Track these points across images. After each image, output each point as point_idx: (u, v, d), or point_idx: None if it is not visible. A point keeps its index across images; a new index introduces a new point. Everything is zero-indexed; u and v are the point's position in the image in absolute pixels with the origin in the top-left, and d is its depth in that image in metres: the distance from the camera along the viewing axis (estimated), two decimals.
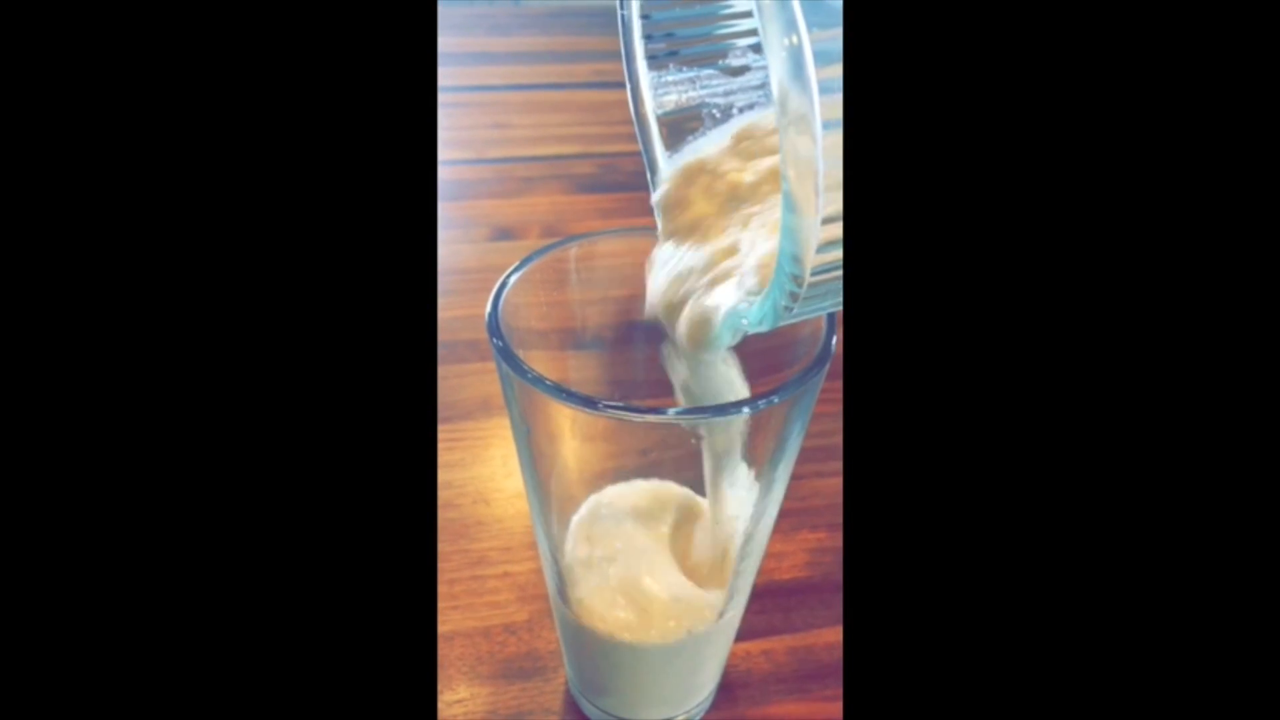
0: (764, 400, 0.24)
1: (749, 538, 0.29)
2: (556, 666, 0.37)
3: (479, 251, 0.67)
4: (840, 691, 0.37)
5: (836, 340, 0.26)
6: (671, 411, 0.25)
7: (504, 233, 0.71)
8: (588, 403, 0.24)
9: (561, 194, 0.79)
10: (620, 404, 0.24)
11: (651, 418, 0.24)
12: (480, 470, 0.47)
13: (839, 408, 0.53)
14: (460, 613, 0.39)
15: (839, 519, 0.45)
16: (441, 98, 0.91)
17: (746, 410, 0.25)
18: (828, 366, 0.26)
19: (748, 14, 0.26)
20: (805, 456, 0.49)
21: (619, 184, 0.81)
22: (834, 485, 0.47)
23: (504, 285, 0.28)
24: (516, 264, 0.29)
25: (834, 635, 0.39)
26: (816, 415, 0.54)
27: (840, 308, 0.20)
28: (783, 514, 0.46)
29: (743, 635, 0.39)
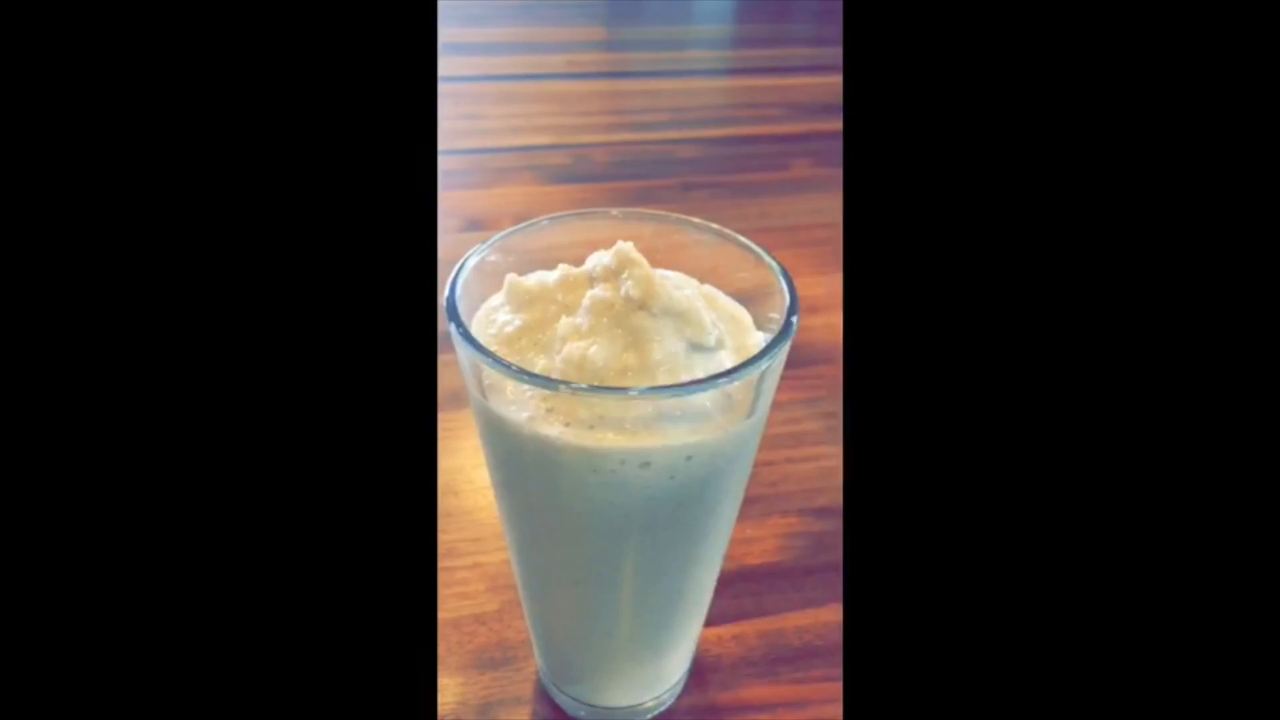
0: (724, 379, 0.24)
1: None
2: (526, 656, 0.37)
3: (450, 243, 0.67)
4: (809, 674, 0.37)
5: (797, 319, 0.26)
6: (634, 391, 0.24)
7: (475, 223, 0.70)
8: (547, 383, 0.24)
9: (534, 184, 0.78)
10: (582, 385, 0.24)
11: (612, 396, 0.24)
12: (449, 462, 0.47)
13: (810, 394, 0.53)
14: None
15: (809, 504, 0.45)
16: None
17: (709, 388, 0.25)
18: (789, 342, 0.26)
19: None
20: (775, 442, 0.50)
21: (592, 175, 0.81)
22: (804, 471, 0.47)
23: (460, 270, 0.28)
24: (471, 250, 0.29)
25: (803, 619, 0.39)
26: (786, 403, 0.54)
27: None
28: (754, 500, 0.46)
29: (713, 620, 0.39)
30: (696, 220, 0.30)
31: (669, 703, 0.36)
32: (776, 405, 0.54)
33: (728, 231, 0.30)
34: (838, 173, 0.83)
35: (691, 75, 1.09)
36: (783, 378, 0.27)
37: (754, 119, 0.95)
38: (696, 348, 0.25)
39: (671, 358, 0.25)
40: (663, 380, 0.25)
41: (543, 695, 0.36)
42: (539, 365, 0.26)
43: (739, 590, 0.40)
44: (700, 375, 0.25)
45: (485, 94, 0.96)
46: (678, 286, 0.25)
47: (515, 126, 0.89)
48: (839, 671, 0.37)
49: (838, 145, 0.88)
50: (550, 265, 0.29)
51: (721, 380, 0.24)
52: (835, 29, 1.25)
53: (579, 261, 0.28)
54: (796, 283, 0.27)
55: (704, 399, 0.25)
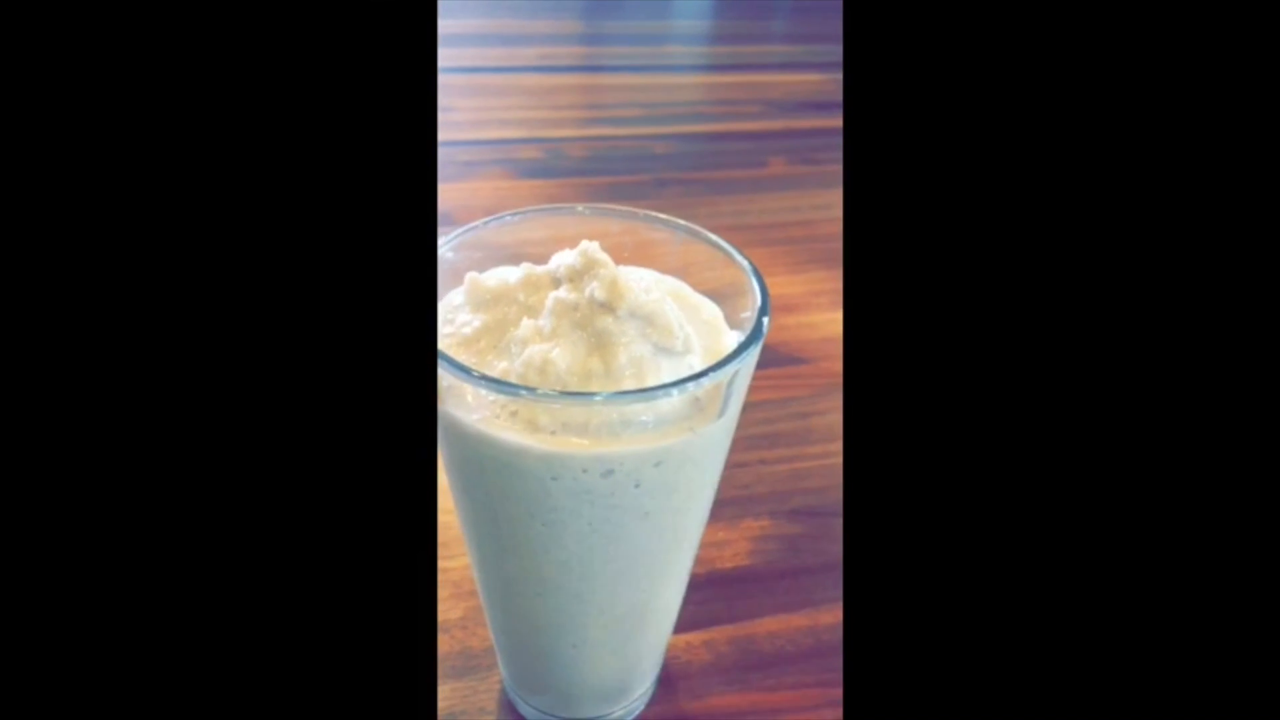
0: (693, 381, 0.23)
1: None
2: (491, 665, 0.36)
3: None
4: (781, 681, 0.36)
5: (768, 320, 0.25)
6: (600, 396, 0.23)
7: (445, 218, 0.69)
8: (507, 389, 0.23)
9: (504, 179, 0.77)
10: (547, 391, 0.23)
11: (575, 402, 0.23)
12: None
13: (784, 394, 0.52)
14: None
15: (782, 506, 0.44)
16: None
17: (675, 393, 0.24)
18: (760, 344, 0.25)
19: None
20: (748, 444, 0.49)
21: (565, 169, 0.80)
22: (777, 473, 0.46)
23: None
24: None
25: (775, 624, 0.38)
26: (760, 403, 0.53)
27: None
28: (725, 502, 0.45)
29: (683, 626, 0.38)
30: (665, 217, 0.29)
31: (637, 712, 0.35)
32: (750, 406, 0.54)
33: (697, 229, 0.29)
34: (814, 170, 0.82)
35: (668, 71, 1.08)
36: (756, 378, 0.26)
37: (730, 115, 0.95)
38: (664, 351, 0.24)
39: (637, 362, 0.24)
40: (628, 385, 0.24)
41: (507, 706, 0.35)
42: (499, 368, 0.24)
43: (709, 595, 0.40)
44: (667, 379, 0.24)
45: (455, 86, 0.94)
46: (645, 290, 0.24)
47: (486, 119, 0.88)
48: (811, 678, 0.36)
49: (814, 143, 0.88)
50: (514, 262, 0.27)
51: (689, 384, 0.23)
52: (814, 27, 1.25)
53: (543, 259, 0.27)
54: (770, 281, 0.27)
55: (671, 403, 0.24)
